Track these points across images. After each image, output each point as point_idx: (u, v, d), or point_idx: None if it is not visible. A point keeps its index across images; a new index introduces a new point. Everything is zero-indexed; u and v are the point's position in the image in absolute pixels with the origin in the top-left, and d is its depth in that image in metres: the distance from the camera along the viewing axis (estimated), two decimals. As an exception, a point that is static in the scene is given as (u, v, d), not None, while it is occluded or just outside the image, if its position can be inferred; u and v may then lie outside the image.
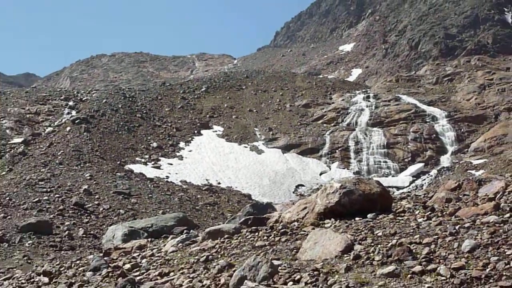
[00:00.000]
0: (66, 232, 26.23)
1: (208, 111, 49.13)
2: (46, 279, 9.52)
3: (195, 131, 44.82)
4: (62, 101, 51.36)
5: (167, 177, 37.07)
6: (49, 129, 43.33)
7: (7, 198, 30.21)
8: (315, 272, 7.10)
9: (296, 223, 9.64)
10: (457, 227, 8.21)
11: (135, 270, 8.48)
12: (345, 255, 7.61)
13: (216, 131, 45.54)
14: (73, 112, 45.90)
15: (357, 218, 9.42)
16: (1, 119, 46.56)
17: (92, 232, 27.01)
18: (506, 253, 6.78)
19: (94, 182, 33.20)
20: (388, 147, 42.82)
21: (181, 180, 37.00)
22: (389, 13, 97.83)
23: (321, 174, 40.54)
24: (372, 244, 7.82)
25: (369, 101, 49.46)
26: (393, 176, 39.91)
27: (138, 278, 7.71)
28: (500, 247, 7.04)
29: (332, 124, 46.83)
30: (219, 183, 37.58)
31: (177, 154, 41.14)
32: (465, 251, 7.19)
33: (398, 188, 36.88)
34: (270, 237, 9.10)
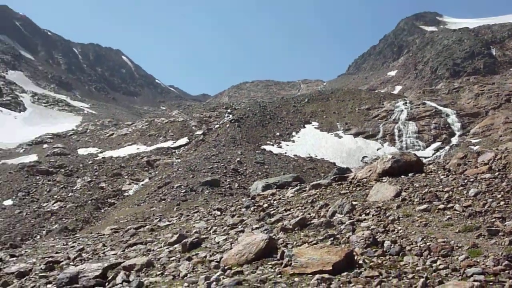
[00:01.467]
0: (228, 185, 36.38)
1: (309, 113, 62.33)
2: (218, 212, 12.21)
3: (301, 125, 57.71)
4: (224, 109, 68.38)
5: (285, 153, 48.60)
6: (217, 125, 58.89)
7: (194, 166, 42.92)
8: (378, 209, 9.20)
9: (365, 179, 11.72)
10: (465, 181, 10.72)
11: (270, 207, 10.62)
12: (396, 198, 9.82)
13: (313, 125, 58.73)
14: (230, 116, 60.67)
15: (402, 176, 11.80)
16: (190, 120, 65.42)
17: (243, 185, 36.85)
18: (497, 196, 9.29)
19: (243, 156, 44.60)
20: (418, 133, 57.52)
21: (294, 154, 48.24)
22: (418, 51, 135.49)
23: (377, 149, 53.68)
24: (412, 192, 10.13)
25: (406, 105, 65.26)
26: (422, 150, 53.08)
27: (272, 212, 10.00)
28: (493, 193, 9.52)
29: (384, 119, 61.65)
30: (316, 156, 48.92)
31: (291, 139, 53.08)
32: (471, 195, 9.68)
33: (425, 157, 48.30)
34: (350, 188, 11.33)
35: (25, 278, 8.00)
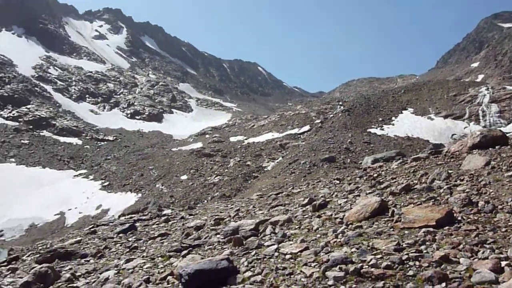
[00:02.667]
0: (342, 161, 36.09)
1: (405, 102, 58.11)
2: (337, 181, 11.71)
3: (399, 112, 54.10)
4: (336, 102, 67.60)
5: (387, 134, 46.56)
6: (331, 115, 57.34)
7: (315, 146, 43.16)
8: (471, 175, 8.79)
9: (457, 152, 11.04)
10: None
11: (379, 176, 10.27)
12: (486, 167, 9.28)
13: (409, 111, 54.82)
14: (342, 107, 58.60)
15: (490, 149, 10.96)
16: (310, 112, 65.60)
17: (354, 160, 36.12)
18: None
19: (353, 138, 43.64)
20: (500, 113, 52.33)
21: (394, 135, 46.10)
22: (497, 45, 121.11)
23: (464, 128, 49.59)
24: (500, 161, 9.49)
25: (488, 90, 58.96)
26: (504, 127, 48.10)
27: (381, 180, 9.67)
28: None
29: (469, 103, 56.30)
30: (412, 135, 46.50)
31: (391, 123, 50.35)
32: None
33: (508, 133, 45.28)
34: (445, 159, 10.67)
35: (200, 230, 8.44)
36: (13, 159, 69.92)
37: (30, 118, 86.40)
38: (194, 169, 54.30)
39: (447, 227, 5.54)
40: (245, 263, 5.31)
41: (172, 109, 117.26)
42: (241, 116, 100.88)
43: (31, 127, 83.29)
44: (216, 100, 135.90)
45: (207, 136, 72.82)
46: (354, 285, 4.18)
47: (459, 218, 5.85)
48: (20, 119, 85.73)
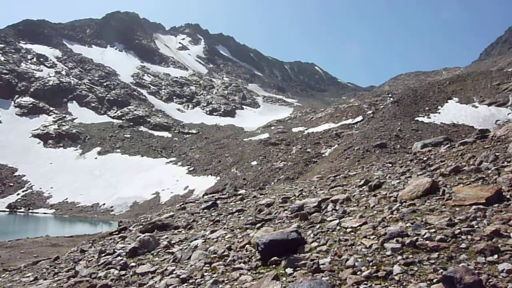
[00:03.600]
0: (392, 146, 34.85)
1: (450, 92, 53.21)
2: (390, 165, 11.13)
3: (445, 101, 49.86)
4: (386, 95, 64.89)
5: (434, 121, 43.11)
6: (382, 106, 54.95)
7: (368, 134, 41.67)
8: None
9: (503, 136, 10.07)
10: None
11: (428, 160, 9.72)
12: None
13: (454, 100, 50.25)
14: (391, 99, 56.11)
15: None
16: (362, 104, 63.54)
17: (403, 146, 34.66)
18: None
19: (402, 126, 41.28)
20: None
21: (440, 122, 42.58)
22: None
23: (508, 114, 44.71)
24: None
25: None
26: None
27: (430, 163, 9.07)
28: None
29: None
30: (458, 122, 42.88)
31: (437, 111, 46.48)
32: None
33: None
34: (491, 143, 9.75)
35: (270, 207, 8.46)
36: (118, 150, 74.26)
37: (131, 117, 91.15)
38: (262, 156, 54.66)
39: (496, 205, 5.12)
40: (311, 235, 5.25)
41: (243, 106, 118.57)
42: (301, 110, 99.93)
43: (131, 124, 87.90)
44: (280, 97, 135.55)
45: (272, 127, 72.96)
46: (410, 256, 3.99)
47: (508, 197, 5.37)
48: (123, 118, 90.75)
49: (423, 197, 5.94)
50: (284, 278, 4.08)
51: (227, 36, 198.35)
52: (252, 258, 5.02)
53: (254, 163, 53.46)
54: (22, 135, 76.96)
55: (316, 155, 48.87)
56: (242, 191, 14.17)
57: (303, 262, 4.35)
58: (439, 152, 10.64)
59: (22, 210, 53.77)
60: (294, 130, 64.47)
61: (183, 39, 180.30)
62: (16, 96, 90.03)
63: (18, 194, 58.00)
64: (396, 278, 3.64)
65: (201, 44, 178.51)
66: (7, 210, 53.37)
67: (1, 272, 10.06)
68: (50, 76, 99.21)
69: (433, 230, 4.48)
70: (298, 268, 4.26)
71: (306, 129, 61.81)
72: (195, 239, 6.80)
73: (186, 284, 4.72)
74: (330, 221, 5.76)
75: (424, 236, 4.32)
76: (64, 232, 28.86)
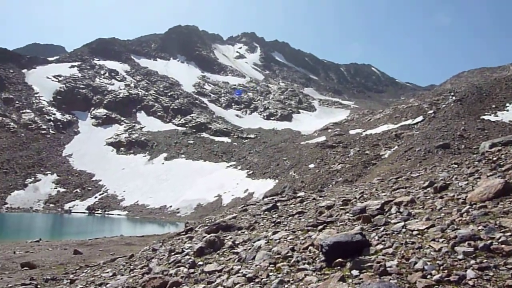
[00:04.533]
0: (457, 146, 32.59)
1: None
2: (455, 165, 10.25)
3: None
4: (448, 93, 60.19)
5: (502, 119, 38.43)
6: (443, 105, 51.14)
7: (429, 135, 38.99)
8: None
9: None
10: None
11: (498, 160, 8.79)
12: None
13: None
14: (453, 97, 50.36)
15: None
16: (423, 104, 60.23)
17: (468, 146, 32.43)
18: None
19: (466, 125, 37.98)
20: None
21: (509, 120, 37.74)
22: None
23: None
24: None
25: None
26: None
27: (501, 163, 8.16)
28: None
29: None
30: None
31: (505, 109, 41.76)
32: None
33: None
34: None
35: (331, 209, 8.31)
36: (183, 155, 77.08)
37: (193, 124, 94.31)
38: (319, 158, 53.94)
39: None
40: (376, 237, 5.06)
41: (299, 110, 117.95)
42: (358, 112, 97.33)
43: (194, 130, 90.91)
44: (336, 100, 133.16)
45: (329, 130, 71.72)
46: (484, 260, 3.71)
47: None
48: (186, 125, 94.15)
49: (495, 199, 5.51)
50: (350, 280, 3.97)
51: (282, 42, 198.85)
52: (316, 259, 4.95)
53: (311, 166, 52.89)
54: (98, 143, 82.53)
55: (375, 157, 47.30)
56: (301, 194, 14.05)
57: (369, 264, 4.21)
58: (510, 151, 9.85)
59: (99, 211, 57.56)
60: (352, 132, 62.91)
61: (240, 48, 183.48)
62: (92, 108, 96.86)
63: (95, 197, 62.20)
64: (470, 283, 3.40)
65: (257, 51, 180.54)
66: (87, 211, 57.44)
67: (84, 267, 10.82)
68: (120, 89, 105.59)
69: (508, 233, 4.14)
70: (364, 270, 4.13)
71: (364, 131, 60.05)
72: (258, 240, 6.84)
73: (252, 283, 4.76)
74: (395, 223, 5.53)
75: (499, 240, 4.01)
76: (136, 232, 30.42)
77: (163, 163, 74.40)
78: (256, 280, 4.81)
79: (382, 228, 5.46)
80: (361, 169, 44.52)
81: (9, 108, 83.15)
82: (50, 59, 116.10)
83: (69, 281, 8.56)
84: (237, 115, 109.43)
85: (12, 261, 12.61)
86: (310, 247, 5.49)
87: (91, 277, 8.17)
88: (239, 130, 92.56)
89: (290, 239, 6.45)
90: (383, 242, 4.81)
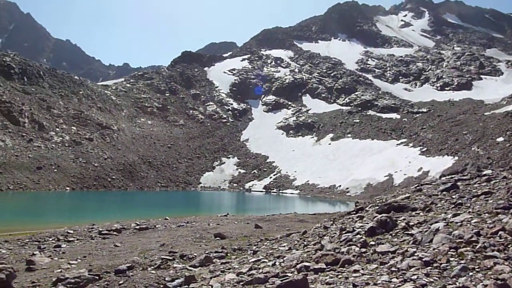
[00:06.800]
0: None
1: None
2: None
3: None
4: None
5: None
6: None
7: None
8: None
9: None
10: None
11: None
12: None
13: None
14: None
15: None
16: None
17: None
18: None
19: None
20: None
21: None
22: None
23: None
24: None
25: None
26: None
27: None
28: None
29: None
30: None
31: None
32: None
33: None
34: None
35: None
36: (349, 135, 76.37)
37: (358, 102, 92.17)
38: (510, 130, 45.90)
39: None
40: None
41: (481, 76, 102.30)
42: None
43: (359, 109, 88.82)
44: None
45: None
46: None
47: None
48: (351, 104, 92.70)
49: None
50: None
51: (454, 1, 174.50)
52: (509, 246, 4.29)
53: (500, 139, 45.48)
54: (269, 128, 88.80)
55: None
56: (487, 172, 12.26)
57: None
58: None
59: (274, 190, 62.26)
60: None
61: (405, 15, 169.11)
62: (263, 96, 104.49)
63: (270, 177, 67.42)
64: None
65: (425, 16, 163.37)
66: (263, 190, 62.88)
67: (263, 240, 11.94)
68: (286, 75, 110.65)
69: None
70: None
71: None
72: (436, 222, 6.32)
73: (430, 267, 4.44)
74: None
75: None
76: (308, 210, 31.82)
77: (330, 144, 75.23)
78: (434, 264, 4.47)
79: None
80: None
81: (197, 102, 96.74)
82: (225, 55, 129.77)
83: (252, 251, 9.58)
84: (405, 89, 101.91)
85: (207, 232, 14.82)
86: (500, 232, 4.79)
87: (270, 250, 8.96)
88: (409, 105, 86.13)
89: (474, 222, 5.77)
90: None
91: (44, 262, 9.75)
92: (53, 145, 54.83)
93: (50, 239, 14.07)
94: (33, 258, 9.92)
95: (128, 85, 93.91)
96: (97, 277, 7.61)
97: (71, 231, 15.72)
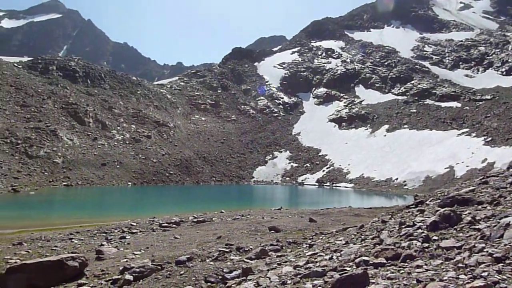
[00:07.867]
0: None
1: None
2: None
3: None
4: None
5: None
6: None
7: None
8: None
9: None
10: None
11: None
12: None
13: None
14: None
15: None
16: None
17: None
18: None
19: None
20: None
21: None
22: None
23: None
24: None
25: None
26: None
27: None
28: None
29: None
30: None
31: None
32: None
33: None
34: None
35: None
36: (406, 125, 73.28)
37: (415, 91, 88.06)
38: None
39: None
40: None
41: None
42: None
43: (416, 98, 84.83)
44: None
45: None
46: None
47: None
48: (407, 93, 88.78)
49: None
50: None
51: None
52: None
53: None
54: (321, 120, 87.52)
55: None
56: None
57: None
58: None
59: (327, 184, 61.41)
60: None
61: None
62: (313, 88, 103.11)
63: (323, 170, 66.57)
64: None
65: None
66: (316, 184, 62.24)
67: (318, 234, 11.84)
68: (337, 66, 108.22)
69: None
70: None
71: None
72: (506, 217, 5.89)
73: (501, 264, 4.16)
74: None
75: None
76: (363, 204, 31.03)
77: (385, 135, 72.70)
78: (507, 261, 4.17)
79: None
80: None
81: (248, 97, 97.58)
82: (274, 49, 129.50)
83: (308, 245, 9.53)
84: (466, 75, 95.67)
85: (262, 225, 14.97)
86: None
87: (326, 244, 8.85)
88: (470, 92, 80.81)
89: (551, 217, 5.28)
90: None
91: (111, 252, 10.40)
92: (115, 143, 58.08)
93: (116, 230, 14.97)
94: (101, 248, 10.63)
95: (182, 83, 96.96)
96: (159, 267, 8.00)
97: (134, 224, 16.60)
